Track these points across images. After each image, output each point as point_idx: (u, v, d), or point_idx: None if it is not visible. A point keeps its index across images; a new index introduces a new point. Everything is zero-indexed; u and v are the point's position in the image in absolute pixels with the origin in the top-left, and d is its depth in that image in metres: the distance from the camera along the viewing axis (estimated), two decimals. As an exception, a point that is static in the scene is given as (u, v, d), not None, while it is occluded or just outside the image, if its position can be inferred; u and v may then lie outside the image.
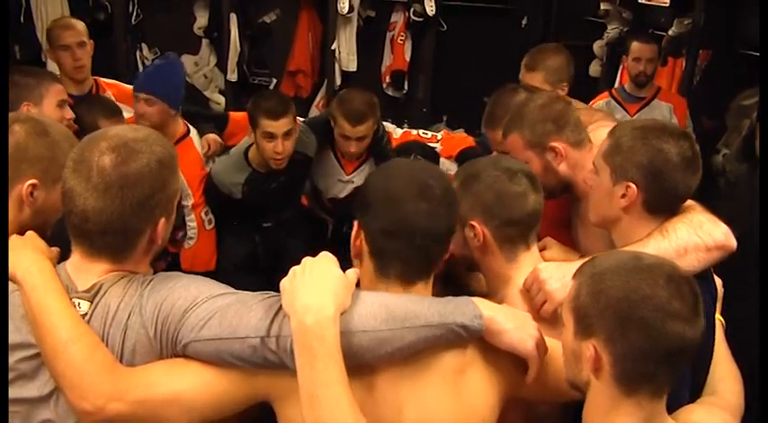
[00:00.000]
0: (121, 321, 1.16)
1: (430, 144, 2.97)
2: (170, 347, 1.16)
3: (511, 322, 1.20)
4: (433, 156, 2.86)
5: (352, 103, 2.78)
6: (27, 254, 1.21)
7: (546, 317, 1.41)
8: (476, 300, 1.21)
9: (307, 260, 1.17)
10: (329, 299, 1.09)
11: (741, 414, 1.38)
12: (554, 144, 1.79)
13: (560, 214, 1.96)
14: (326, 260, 1.17)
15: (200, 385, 1.15)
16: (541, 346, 1.23)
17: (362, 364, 1.13)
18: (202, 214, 2.91)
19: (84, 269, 1.21)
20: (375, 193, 1.22)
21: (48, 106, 2.26)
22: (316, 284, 1.11)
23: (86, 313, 1.17)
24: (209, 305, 1.15)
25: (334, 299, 1.09)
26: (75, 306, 1.16)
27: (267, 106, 2.66)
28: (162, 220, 1.22)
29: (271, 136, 2.65)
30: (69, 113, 2.34)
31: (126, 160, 1.16)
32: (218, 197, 2.86)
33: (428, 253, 1.22)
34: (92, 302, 1.18)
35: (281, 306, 1.13)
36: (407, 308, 1.14)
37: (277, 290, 1.16)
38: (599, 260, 1.18)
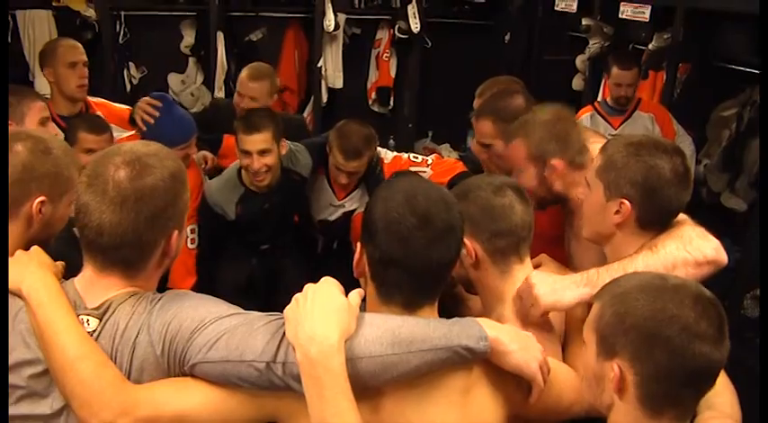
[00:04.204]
0: (130, 339, 1.16)
1: (420, 169, 2.97)
2: (177, 367, 1.16)
3: (515, 343, 1.19)
4: None
5: (350, 139, 2.77)
6: (32, 270, 1.21)
7: (533, 321, 1.43)
8: (480, 320, 1.20)
9: (309, 287, 1.15)
10: (333, 327, 1.07)
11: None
12: (554, 162, 1.82)
13: (553, 231, 1.98)
14: (328, 286, 1.15)
15: (208, 404, 1.15)
16: (545, 368, 1.22)
17: (368, 387, 1.12)
18: (188, 230, 2.82)
19: (95, 285, 1.21)
20: (376, 219, 1.18)
21: (30, 124, 2.24)
22: (319, 313, 1.09)
23: (95, 330, 1.17)
24: (216, 326, 1.15)
25: (337, 327, 1.08)
26: (84, 323, 1.17)
27: (244, 121, 2.64)
28: (175, 233, 1.24)
29: (245, 153, 2.63)
30: (55, 130, 2.33)
31: (141, 174, 1.18)
32: (211, 218, 2.82)
33: (429, 282, 1.21)
34: (100, 320, 1.18)
35: None
36: (413, 332, 1.12)
37: (277, 311, 1.16)
38: (622, 281, 1.17)
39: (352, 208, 3.01)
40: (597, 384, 1.15)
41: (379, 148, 2.98)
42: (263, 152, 2.61)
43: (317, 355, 1.05)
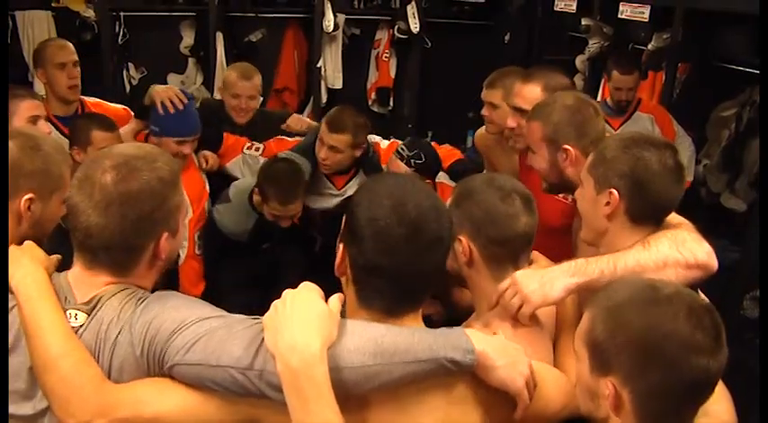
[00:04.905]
0: (111, 337, 1.16)
1: None
2: (157, 367, 1.15)
3: (502, 358, 1.16)
4: (437, 159, 2.87)
5: (340, 114, 2.85)
6: (24, 264, 1.22)
7: (523, 321, 1.40)
8: (469, 331, 1.17)
9: (287, 293, 1.12)
10: (314, 335, 1.04)
11: None
12: (568, 147, 1.84)
13: (564, 222, 2.00)
14: (308, 292, 1.12)
15: (186, 407, 1.13)
16: (531, 383, 1.19)
17: (351, 396, 1.09)
18: (196, 236, 2.83)
19: (86, 281, 1.22)
20: (361, 223, 1.12)
21: (18, 123, 2.20)
22: (298, 320, 1.05)
23: (83, 325, 1.17)
24: (196, 328, 1.13)
25: (319, 334, 1.04)
26: (72, 318, 1.17)
27: (278, 192, 2.71)
28: (164, 235, 1.24)
29: (277, 216, 2.75)
30: (47, 128, 2.32)
31: (126, 178, 1.19)
32: (217, 237, 2.87)
33: (414, 291, 1.17)
34: (89, 315, 1.18)
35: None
36: (397, 342, 1.09)
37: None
38: (613, 290, 1.13)
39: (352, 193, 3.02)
40: (592, 399, 1.13)
41: (372, 136, 3.00)
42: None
43: (298, 364, 1.02)
